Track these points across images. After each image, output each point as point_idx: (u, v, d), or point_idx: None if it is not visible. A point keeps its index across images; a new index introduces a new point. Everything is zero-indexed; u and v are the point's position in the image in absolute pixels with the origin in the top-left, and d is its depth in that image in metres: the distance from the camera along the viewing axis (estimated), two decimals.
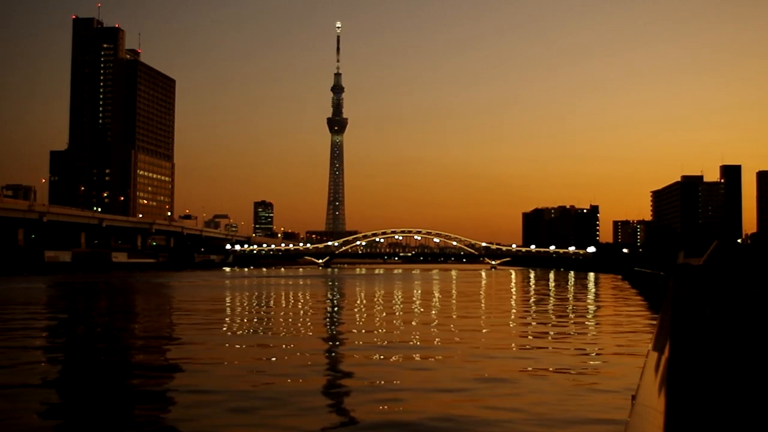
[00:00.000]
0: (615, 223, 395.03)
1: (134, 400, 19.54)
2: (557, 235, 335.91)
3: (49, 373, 24.18)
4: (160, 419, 17.26)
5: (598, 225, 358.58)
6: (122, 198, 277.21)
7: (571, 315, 50.52)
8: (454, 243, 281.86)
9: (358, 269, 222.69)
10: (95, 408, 18.63)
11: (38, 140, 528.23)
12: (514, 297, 73.41)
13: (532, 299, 68.67)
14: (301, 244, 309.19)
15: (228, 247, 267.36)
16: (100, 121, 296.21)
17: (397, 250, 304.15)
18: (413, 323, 42.53)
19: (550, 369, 24.53)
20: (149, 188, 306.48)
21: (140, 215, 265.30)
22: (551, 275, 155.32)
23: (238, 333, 37.37)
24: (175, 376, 23.19)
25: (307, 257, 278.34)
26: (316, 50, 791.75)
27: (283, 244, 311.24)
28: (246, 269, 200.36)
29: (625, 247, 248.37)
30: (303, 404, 18.71)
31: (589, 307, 58.21)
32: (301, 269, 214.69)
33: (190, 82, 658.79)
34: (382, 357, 27.91)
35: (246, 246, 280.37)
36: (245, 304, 59.70)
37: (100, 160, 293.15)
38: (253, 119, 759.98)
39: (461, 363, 25.92)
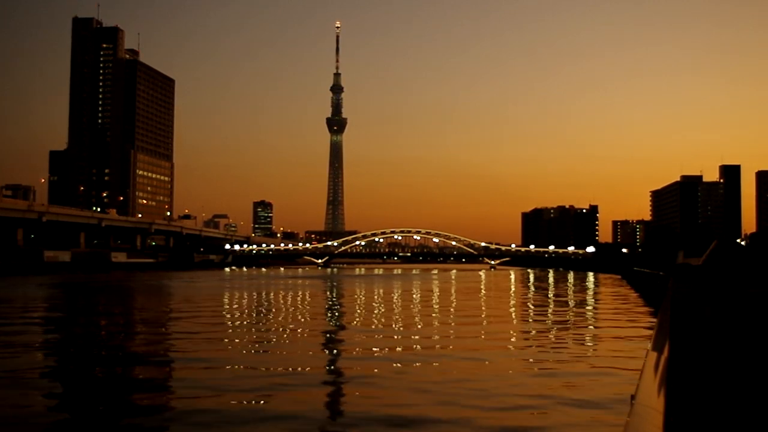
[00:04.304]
0: (614, 222, 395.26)
1: (132, 405, 19.55)
2: (556, 235, 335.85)
3: (49, 374, 24.16)
4: (156, 426, 17.27)
5: (597, 225, 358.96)
6: (121, 198, 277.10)
7: (570, 319, 50.51)
8: (454, 243, 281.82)
9: (357, 269, 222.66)
10: (95, 409, 18.64)
11: (38, 140, 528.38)
12: (513, 301, 73.39)
13: (531, 304, 68.62)
14: (300, 244, 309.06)
15: (227, 247, 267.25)
16: (100, 121, 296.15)
17: (396, 250, 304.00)
18: (415, 328, 42.47)
19: (552, 389, 24.49)
20: (149, 188, 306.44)
21: (140, 215, 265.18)
22: (551, 276, 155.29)
23: (237, 334, 37.34)
24: (174, 378, 23.18)
25: (306, 257, 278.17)
26: (315, 50, 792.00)
27: (282, 244, 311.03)
28: (245, 269, 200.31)
29: (625, 247, 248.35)
30: (300, 405, 18.72)
31: (589, 314, 58.11)
32: (300, 269, 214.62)
33: (189, 82, 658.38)
34: (381, 360, 27.86)
35: (245, 246, 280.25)
36: (244, 305, 59.67)
37: (100, 160, 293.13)
38: (252, 119, 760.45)
39: (458, 366, 25.91)
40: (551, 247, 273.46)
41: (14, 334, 35.37)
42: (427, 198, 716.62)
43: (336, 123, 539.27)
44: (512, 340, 33.44)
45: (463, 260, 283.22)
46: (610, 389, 20.57)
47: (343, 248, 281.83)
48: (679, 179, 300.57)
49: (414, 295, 73.56)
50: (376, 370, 23.39)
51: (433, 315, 48.53)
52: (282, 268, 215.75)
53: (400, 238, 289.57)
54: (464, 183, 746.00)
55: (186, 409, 17.81)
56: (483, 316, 48.86)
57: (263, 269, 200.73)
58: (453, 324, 41.97)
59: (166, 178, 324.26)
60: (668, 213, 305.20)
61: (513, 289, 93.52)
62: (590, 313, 52.85)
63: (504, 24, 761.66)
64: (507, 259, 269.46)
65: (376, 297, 70.41)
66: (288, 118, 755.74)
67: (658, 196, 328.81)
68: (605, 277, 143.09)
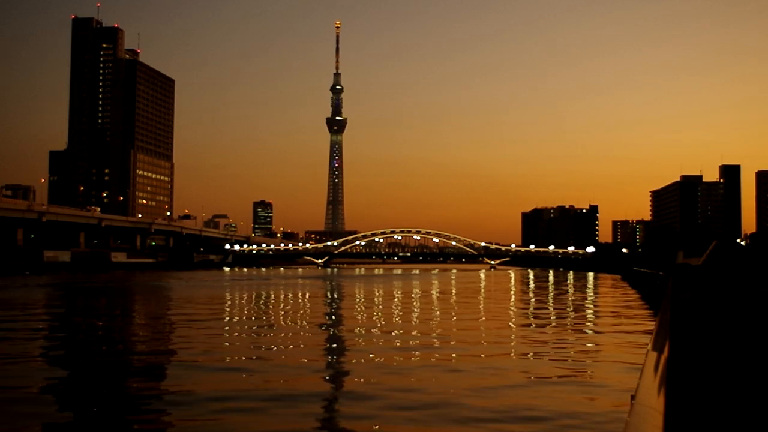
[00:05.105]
0: (614, 222, 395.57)
1: (132, 404, 19.55)
2: (556, 235, 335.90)
3: (50, 376, 24.17)
4: (154, 422, 17.27)
5: (597, 225, 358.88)
6: (121, 198, 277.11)
7: (570, 316, 50.52)
8: (454, 243, 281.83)
9: (357, 269, 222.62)
10: (93, 411, 18.64)
11: (38, 140, 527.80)
12: (513, 303, 73.39)
13: (531, 306, 68.61)
14: (300, 244, 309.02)
15: (227, 247, 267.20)
16: (100, 121, 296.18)
17: (396, 250, 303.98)
18: (415, 332, 42.51)
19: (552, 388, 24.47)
20: (148, 188, 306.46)
21: (139, 215, 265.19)
22: (550, 276, 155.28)
23: (237, 334, 37.38)
24: (172, 379, 23.18)
25: (306, 257, 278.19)
26: (315, 50, 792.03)
27: (282, 244, 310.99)
28: (245, 269, 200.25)
29: (625, 247, 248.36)
30: (298, 408, 18.71)
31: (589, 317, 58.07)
32: (300, 269, 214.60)
33: (189, 82, 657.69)
34: (381, 364, 27.85)
35: (245, 246, 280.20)
36: (244, 306, 59.68)
37: (100, 160, 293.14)
38: (252, 119, 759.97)
39: (458, 369, 25.94)
40: (551, 247, 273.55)
41: (14, 338, 35.35)
42: (426, 198, 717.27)
43: (336, 123, 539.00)
44: (512, 345, 33.25)
45: (463, 260, 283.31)
46: (610, 392, 20.60)
47: (343, 248, 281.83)
48: (679, 179, 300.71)
49: (414, 296, 73.54)
50: (377, 381, 22.95)
51: (433, 319, 48.40)
52: (282, 268, 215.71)
53: (400, 238, 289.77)
54: (464, 183, 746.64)
55: (184, 419, 17.63)
56: (483, 319, 48.79)
57: (263, 269, 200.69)
58: (453, 328, 41.89)
59: (166, 178, 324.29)
60: (668, 213, 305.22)
61: (513, 289, 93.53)
62: (590, 315, 52.85)
63: (504, 24, 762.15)
64: (507, 259, 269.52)
65: (375, 299, 70.39)
66: (288, 118, 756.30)
67: (658, 196, 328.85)
68: (605, 277, 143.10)
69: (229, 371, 23.86)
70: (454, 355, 28.29)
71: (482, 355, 28.33)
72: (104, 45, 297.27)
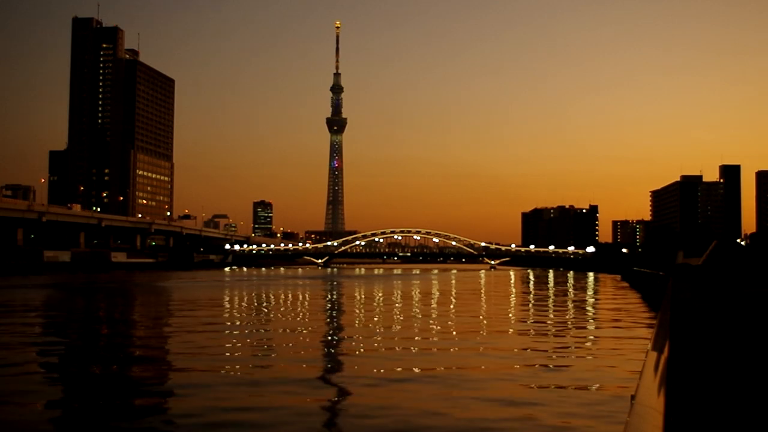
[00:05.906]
0: (614, 222, 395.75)
1: (131, 411, 19.55)
2: (556, 235, 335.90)
3: (51, 378, 24.16)
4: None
5: (597, 225, 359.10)
6: (121, 198, 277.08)
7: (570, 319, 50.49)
8: (454, 243, 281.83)
9: (357, 269, 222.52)
10: (93, 417, 18.63)
11: (38, 140, 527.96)
12: (513, 305, 73.37)
13: (531, 307, 68.57)
14: (300, 244, 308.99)
15: (227, 247, 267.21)
16: (100, 121, 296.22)
17: (396, 249, 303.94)
18: (414, 336, 42.47)
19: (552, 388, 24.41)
20: (148, 188, 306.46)
21: (139, 215, 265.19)
22: (551, 276, 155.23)
23: (237, 337, 37.38)
24: (170, 387, 23.18)
25: (306, 257, 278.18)
26: (315, 50, 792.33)
27: (282, 244, 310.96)
28: (245, 269, 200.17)
29: (625, 247, 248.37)
30: (298, 414, 18.69)
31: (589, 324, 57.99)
32: (300, 269, 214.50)
33: (189, 82, 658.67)
34: (381, 371, 27.83)
35: (245, 246, 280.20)
36: (245, 306, 59.68)
37: (100, 160, 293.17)
38: (252, 119, 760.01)
39: (459, 375, 25.91)
40: (551, 247, 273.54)
41: (13, 341, 35.33)
42: (426, 198, 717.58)
43: (336, 123, 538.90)
44: (512, 346, 33.10)
45: (463, 260, 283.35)
46: (609, 393, 20.61)
47: (343, 248, 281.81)
48: (679, 179, 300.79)
49: (414, 298, 73.53)
50: (375, 392, 22.75)
51: (433, 322, 48.28)
52: (282, 268, 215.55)
53: (400, 238, 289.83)
54: (464, 183, 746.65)
55: (183, 427, 17.42)
56: (483, 321, 48.73)
57: (263, 269, 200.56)
58: (453, 331, 41.75)
59: (166, 178, 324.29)
60: (668, 213, 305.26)
61: (513, 290, 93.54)
62: (590, 315, 52.85)
63: (504, 24, 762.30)
64: (507, 259, 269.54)
65: (375, 300, 70.39)
66: (288, 118, 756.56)
67: (658, 196, 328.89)
68: (605, 277, 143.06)
69: (230, 377, 23.82)
70: (454, 361, 28.26)
71: (481, 355, 28.33)
72: (104, 45, 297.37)
